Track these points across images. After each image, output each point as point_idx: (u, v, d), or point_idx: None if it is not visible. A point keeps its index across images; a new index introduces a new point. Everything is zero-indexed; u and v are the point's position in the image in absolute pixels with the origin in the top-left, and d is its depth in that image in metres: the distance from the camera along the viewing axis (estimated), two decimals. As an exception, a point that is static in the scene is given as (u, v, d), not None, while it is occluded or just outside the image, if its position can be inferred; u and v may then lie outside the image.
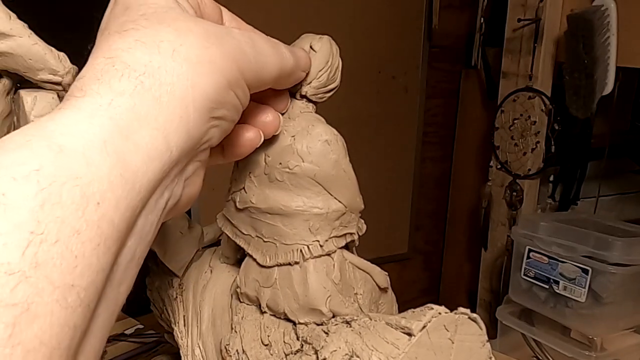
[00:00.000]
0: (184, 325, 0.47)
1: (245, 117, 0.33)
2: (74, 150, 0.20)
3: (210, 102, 0.25)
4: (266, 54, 0.29)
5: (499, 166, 1.63)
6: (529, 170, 1.55)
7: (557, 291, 1.16)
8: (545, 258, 1.18)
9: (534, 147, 1.53)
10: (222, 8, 0.32)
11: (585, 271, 1.10)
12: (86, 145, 0.20)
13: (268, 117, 0.34)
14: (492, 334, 1.45)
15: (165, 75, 0.23)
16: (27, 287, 0.17)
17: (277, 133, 0.36)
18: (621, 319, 1.12)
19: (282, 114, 0.37)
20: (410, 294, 2.06)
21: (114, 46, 0.24)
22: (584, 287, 1.10)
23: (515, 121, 1.57)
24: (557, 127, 1.49)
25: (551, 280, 1.17)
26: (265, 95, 0.34)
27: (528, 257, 1.22)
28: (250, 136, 0.33)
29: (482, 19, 1.73)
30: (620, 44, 1.29)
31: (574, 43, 1.32)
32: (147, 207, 0.23)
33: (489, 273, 1.72)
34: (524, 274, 1.23)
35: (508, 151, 1.60)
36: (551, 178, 1.63)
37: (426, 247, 2.08)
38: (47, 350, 0.17)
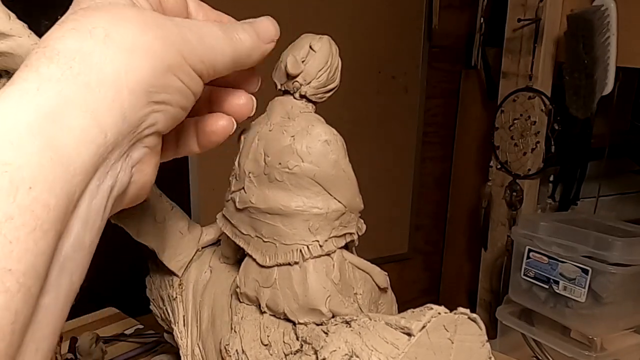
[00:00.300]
0: (184, 325, 0.47)
1: (218, 104, 0.33)
2: (2, 140, 0.20)
3: (147, 86, 0.25)
4: (213, 39, 0.29)
5: (499, 166, 1.63)
6: (529, 170, 1.55)
7: (557, 291, 1.16)
8: (545, 258, 1.18)
9: (534, 147, 1.53)
10: None
11: (585, 271, 1.10)
12: (13, 132, 0.20)
13: (241, 99, 0.34)
14: (492, 334, 1.45)
15: (96, 61, 0.23)
16: None
17: (252, 114, 0.35)
18: (621, 319, 1.12)
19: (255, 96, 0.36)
20: (410, 294, 2.06)
21: (51, 35, 0.24)
22: (584, 287, 1.10)
23: (515, 121, 1.57)
24: (557, 127, 1.49)
25: (551, 280, 1.17)
26: (235, 78, 0.34)
27: (528, 257, 1.22)
28: (223, 124, 0.33)
29: (482, 19, 1.73)
30: (620, 44, 1.29)
31: (574, 43, 1.32)
32: (88, 192, 0.23)
33: (489, 273, 1.72)
34: (524, 274, 1.23)
35: (508, 151, 1.60)
36: (551, 178, 1.63)
37: (426, 247, 2.08)
38: None
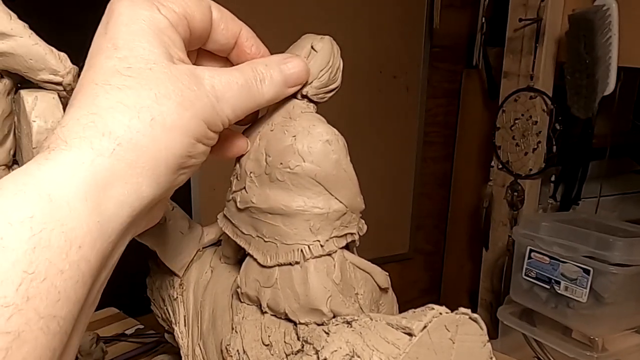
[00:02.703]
0: (185, 325, 0.47)
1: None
2: (60, 200, 0.23)
3: (179, 159, 0.28)
4: (235, 99, 0.31)
5: (500, 166, 1.63)
6: (530, 170, 1.55)
7: (559, 291, 1.16)
8: (547, 258, 1.18)
9: (535, 147, 1.53)
10: (212, 7, 0.33)
11: (587, 271, 1.10)
12: (70, 197, 0.23)
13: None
14: (493, 334, 1.45)
15: (142, 139, 0.26)
16: (19, 317, 0.20)
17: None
18: (623, 320, 1.12)
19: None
20: (411, 294, 2.07)
21: (97, 102, 0.26)
22: (585, 288, 1.10)
23: (517, 121, 1.57)
24: (558, 127, 1.49)
25: (552, 281, 1.17)
26: None
27: (529, 257, 1.22)
28: (240, 144, 0.38)
29: (483, 18, 1.73)
30: (622, 44, 1.29)
31: (575, 43, 1.32)
32: (118, 246, 0.26)
33: (490, 273, 1.72)
34: (525, 274, 1.23)
35: (509, 151, 1.60)
36: (552, 178, 1.63)
37: (427, 247, 2.08)
38: None
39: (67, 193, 0.23)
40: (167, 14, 0.29)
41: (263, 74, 0.33)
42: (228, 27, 0.34)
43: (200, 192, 1.54)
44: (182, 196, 1.49)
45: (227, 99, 0.31)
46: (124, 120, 0.26)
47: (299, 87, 0.36)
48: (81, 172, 0.24)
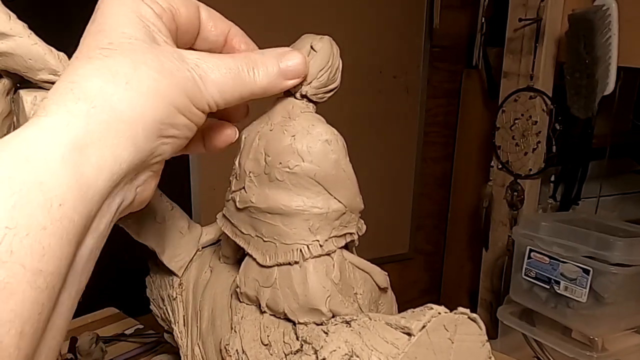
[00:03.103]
0: (184, 325, 0.47)
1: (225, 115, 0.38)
2: (37, 162, 0.24)
3: (159, 124, 0.29)
4: (222, 82, 0.32)
5: (500, 166, 1.63)
6: (530, 170, 1.55)
7: (558, 291, 1.16)
8: (546, 258, 1.18)
9: (535, 147, 1.53)
10: (201, 7, 0.35)
11: (587, 271, 1.10)
12: (47, 158, 0.24)
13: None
14: (493, 334, 1.45)
15: (117, 102, 0.27)
16: (3, 270, 0.21)
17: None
18: (622, 320, 1.12)
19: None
20: (411, 294, 2.06)
21: (78, 71, 0.28)
22: (585, 288, 1.10)
23: (517, 121, 1.56)
24: (558, 127, 1.49)
25: (552, 281, 1.17)
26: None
27: (529, 257, 1.22)
28: (228, 132, 0.38)
29: (483, 18, 1.73)
30: (622, 44, 1.29)
31: (575, 43, 1.32)
32: (101, 211, 0.27)
33: (490, 273, 1.72)
34: (525, 274, 1.23)
35: (509, 151, 1.60)
36: (552, 178, 1.63)
37: (427, 247, 2.08)
38: (20, 321, 0.22)
39: (44, 155, 0.24)
40: (151, 4, 0.31)
41: (257, 61, 0.34)
42: (217, 25, 0.36)
43: (200, 192, 1.54)
44: (182, 196, 1.49)
45: (214, 80, 0.31)
46: (99, 84, 0.27)
47: (297, 80, 0.36)
48: (57, 135, 0.25)
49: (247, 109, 0.39)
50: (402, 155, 1.91)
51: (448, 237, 2.09)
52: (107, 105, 0.27)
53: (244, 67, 0.33)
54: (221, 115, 0.38)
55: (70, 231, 0.24)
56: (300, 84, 0.37)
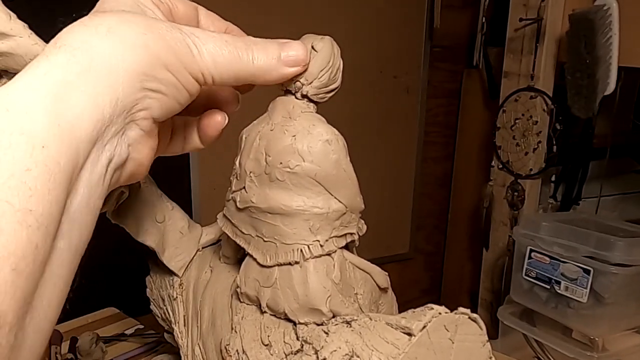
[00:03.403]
0: (184, 325, 0.47)
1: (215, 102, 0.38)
2: (17, 110, 0.24)
3: (142, 75, 0.29)
4: (217, 54, 0.32)
5: (500, 166, 1.63)
6: (531, 170, 1.55)
7: (559, 291, 1.16)
8: (547, 258, 1.18)
9: (536, 147, 1.53)
10: (199, 8, 0.36)
11: (587, 271, 1.10)
12: (27, 105, 0.25)
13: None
14: (493, 334, 1.45)
15: (96, 50, 0.28)
16: None
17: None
18: (623, 320, 1.12)
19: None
20: (411, 294, 2.06)
21: (64, 30, 0.29)
22: (586, 288, 1.10)
23: (517, 121, 1.56)
24: (558, 127, 1.49)
25: (552, 281, 1.17)
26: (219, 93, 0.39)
27: (529, 257, 1.22)
28: (218, 118, 0.37)
29: (483, 18, 1.73)
30: (622, 44, 1.29)
31: (575, 43, 1.32)
32: (90, 160, 0.27)
33: (490, 273, 1.72)
34: (525, 274, 1.23)
35: (510, 151, 1.59)
36: (553, 178, 1.62)
37: (427, 247, 2.08)
38: (14, 259, 0.22)
39: (24, 103, 0.25)
40: None
41: (257, 43, 0.34)
42: (215, 24, 0.37)
43: (200, 192, 1.54)
44: (182, 196, 1.49)
45: (210, 50, 0.31)
46: (82, 37, 0.28)
47: (297, 69, 0.36)
48: (36, 84, 0.26)
49: (238, 99, 0.39)
50: (403, 155, 1.91)
51: (448, 237, 2.09)
52: (87, 54, 0.27)
53: (243, 45, 0.33)
54: (212, 103, 0.38)
55: (58, 174, 0.24)
56: (302, 84, 0.37)
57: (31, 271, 0.23)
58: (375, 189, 1.81)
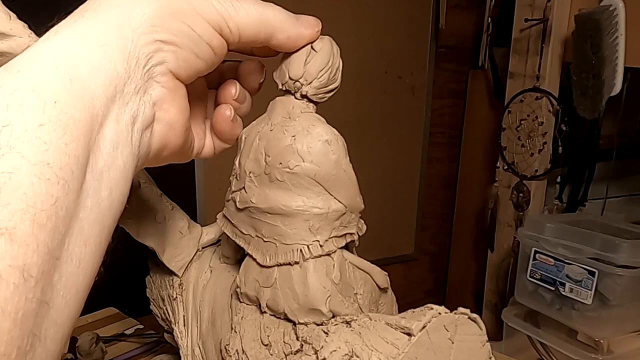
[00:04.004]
0: (184, 325, 0.47)
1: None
2: (29, 70, 0.25)
3: (150, 26, 0.29)
4: (238, 3, 0.32)
5: (505, 167, 1.63)
6: (536, 171, 1.54)
7: (563, 293, 1.15)
8: (551, 260, 1.17)
9: (541, 148, 1.52)
10: None
11: (592, 273, 1.09)
12: (38, 65, 0.25)
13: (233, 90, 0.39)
14: (498, 336, 1.44)
15: (103, 8, 0.28)
16: (5, 162, 0.22)
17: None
18: (628, 322, 1.11)
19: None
20: (416, 295, 2.06)
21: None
22: (591, 289, 1.09)
23: (522, 122, 1.56)
24: (564, 128, 1.48)
25: (557, 282, 1.16)
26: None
27: (534, 259, 1.21)
28: (224, 111, 0.38)
29: (489, 19, 1.72)
30: (629, 44, 1.28)
31: (581, 43, 1.31)
32: (112, 117, 0.27)
33: (496, 274, 1.71)
34: (530, 276, 1.23)
35: (515, 152, 1.59)
36: (558, 179, 1.62)
37: (432, 247, 2.07)
38: (33, 210, 0.22)
39: (35, 64, 0.25)
40: None
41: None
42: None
43: (205, 192, 1.54)
44: (186, 196, 1.49)
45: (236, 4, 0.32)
46: (90, 1, 0.29)
47: (312, 31, 0.37)
48: (47, 44, 0.26)
49: (264, 69, 0.39)
50: (407, 155, 1.91)
51: (453, 238, 2.08)
52: (95, 12, 0.28)
53: (261, 2, 0.34)
54: (237, 74, 0.39)
55: (73, 128, 0.24)
56: (301, 84, 0.37)
57: (54, 225, 0.23)
58: (379, 189, 1.80)
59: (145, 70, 0.29)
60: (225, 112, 0.38)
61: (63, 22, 0.28)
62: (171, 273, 0.47)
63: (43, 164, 0.23)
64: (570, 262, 1.14)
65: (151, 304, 0.51)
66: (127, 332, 0.82)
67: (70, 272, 0.24)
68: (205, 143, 0.39)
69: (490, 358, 0.36)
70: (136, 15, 0.28)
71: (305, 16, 0.37)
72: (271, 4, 0.34)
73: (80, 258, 0.25)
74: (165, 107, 0.31)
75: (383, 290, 0.42)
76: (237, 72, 0.39)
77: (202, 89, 0.39)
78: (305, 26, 0.36)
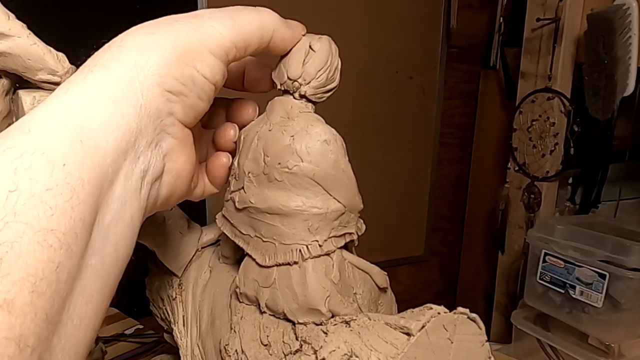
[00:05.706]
0: (184, 325, 0.47)
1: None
2: (39, 130, 0.25)
3: (158, 77, 0.29)
4: (239, 15, 0.32)
5: (516, 168, 1.61)
6: (547, 172, 1.53)
7: (574, 296, 1.14)
8: (562, 262, 1.16)
9: (553, 148, 1.50)
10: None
11: (603, 276, 1.08)
12: (49, 124, 0.25)
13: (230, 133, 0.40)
14: (508, 339, 1.43)
15: (111, 63, 0.28)
16: (9, 231, 0.22)
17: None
18: (639, 325, 1.10)
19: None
20: (426, 297, 2.05)
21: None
22: (601, 293, 1.08)
23: (534, 122, 1.55)
24: (576, 129, 1.46)
25: (567, 285, 1.15)
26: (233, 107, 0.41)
27: (544, 261, 1.20)
28: (222, 158, 0.40)
29: (501, 18, 1.71)
30: (642, 44, 1.26)
31: (594, 43, 1.30)
32: (122, 174, 0.27)
33: (506, 276, 1.70)
34: (540, 278, 1.21)
35: (526, 153, 1.58)
36: (570, 180, 1.60)
37: (442, 249, 2.06)
38: (33, 279, 0.22)
39: (45, 123, 0.25)
40: None
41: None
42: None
43: (214, 196, 1.54)
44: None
45: (218, 21, 0.32)
46: (98, 55, 0.29)
47: (301, 34, 0.37)
48: (58, 102, 0.26)
49: (271, 76, 0.39)
50: (418, 156, 1.90)
51: (464, 239, 2.07)
52: (103, 68, 0.28)
53: (242, 9, 0.34)
54: (244, 85, 0.40)
55: (81, 191, 0.24)
56: (300, 84, 0.37)
57: (54, 291, 0.22)
58: (390, 190, 1.80)
59: (159, 123, 0.29)
60: (223, 159, 0.39)
61: (72, 77, 0.28)
62: (171, 273, 0.47)
63: (47, 231, 0.22)
64: (580, 264, 1.13)
65: (151, 304, 0.51)
66: (127, 332, 0.82)
67: (70, 333, 0.24)
68: (198, 185, 0.40)
69: (489, 358, 0.35)
70: (141, 67, 0.28)
71: (290, 20, 0.37)
72: (261, 7, 0.35)
73: (82, 317, 0.25)
74: (174, 158, 0.32)
75: (382, 290, 0.42)
76: (228, 109, 0.40)
77: (199, 130, 0.40)
78: (294, 28, 0.37)
